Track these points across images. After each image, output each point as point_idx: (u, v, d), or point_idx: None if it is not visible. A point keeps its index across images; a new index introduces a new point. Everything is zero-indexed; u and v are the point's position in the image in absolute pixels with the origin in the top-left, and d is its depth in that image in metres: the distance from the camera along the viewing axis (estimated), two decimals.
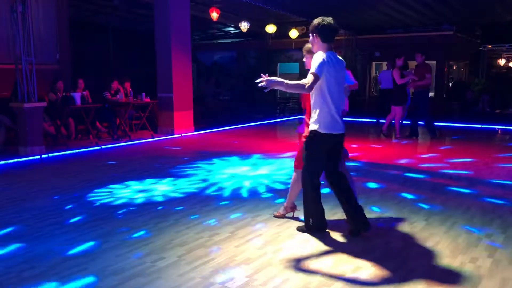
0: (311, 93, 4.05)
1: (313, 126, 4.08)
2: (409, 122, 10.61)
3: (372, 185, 6.12)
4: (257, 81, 3.86)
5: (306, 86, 3.84)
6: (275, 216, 4.73)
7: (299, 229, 4.34)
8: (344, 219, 4.37)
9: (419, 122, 10.39)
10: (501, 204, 5.22)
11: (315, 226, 4.24)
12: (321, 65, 3.89)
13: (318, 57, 3.96)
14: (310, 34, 4.14)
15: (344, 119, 4.28)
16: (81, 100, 9.69)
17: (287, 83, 3.88)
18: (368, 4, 12.74)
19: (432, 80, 10.15)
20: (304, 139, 4.22)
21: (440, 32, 15.59)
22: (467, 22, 16.34)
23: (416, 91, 10.15)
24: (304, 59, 4.48)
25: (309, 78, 3.86)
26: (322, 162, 4.14)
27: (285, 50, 19.00)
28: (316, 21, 4.11)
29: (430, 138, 10.38)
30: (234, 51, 20.15)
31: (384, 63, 15.35)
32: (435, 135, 10.44)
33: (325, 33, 4.05)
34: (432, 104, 15.24)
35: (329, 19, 4.11)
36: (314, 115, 4.07)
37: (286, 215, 4.72)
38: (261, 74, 3.90)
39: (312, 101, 4.12)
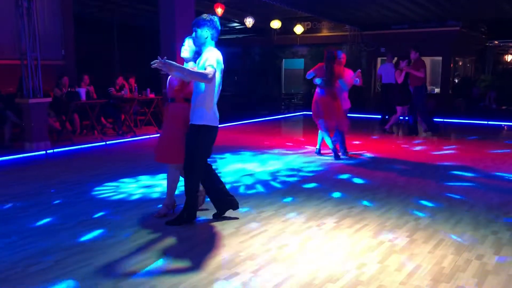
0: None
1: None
2: (408, 119, 10.58)
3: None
4: (152, 62, 3.84)
5: (209, 76, 3.94)
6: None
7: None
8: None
9: (417, 119, 10.34)
10: (507, 201, 5.19)
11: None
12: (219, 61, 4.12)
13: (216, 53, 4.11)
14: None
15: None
16: (86, 95, 9.71)
17: (188, 70, 3.99)
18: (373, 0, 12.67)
19: (425, 76, 10.03)
20: None
21: (445, 28, 15.49)
22: (473, 18, 16.24)
23: (412, 88, 10.07)
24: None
25: (210, 70, 3.96)
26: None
27: (290, 46, 18.95)
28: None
29: (432, 134, 10.20)
30: (239, 47, 20.12)
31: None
32: (437, 131, 10.28)
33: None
34: (438, 100, 15.26)
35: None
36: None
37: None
38: (158, 57, 3.84)
39: (199, 92, 4.15)
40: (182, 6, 10.80)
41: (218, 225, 4.36)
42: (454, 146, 8.93)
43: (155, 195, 5.45)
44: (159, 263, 3.52)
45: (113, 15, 15.31)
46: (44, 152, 8.06)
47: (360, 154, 7.98)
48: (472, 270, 3.39)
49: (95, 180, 6.11)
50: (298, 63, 19.24)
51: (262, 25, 16.74)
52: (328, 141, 7.53)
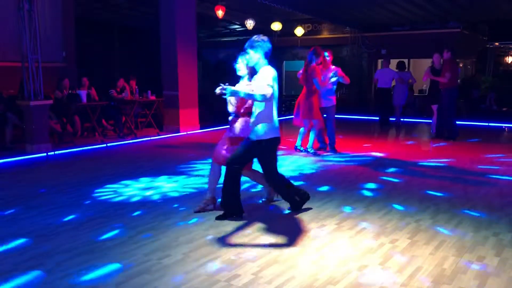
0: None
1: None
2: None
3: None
4: (216, 89, 4.23)
5: (267, 96, 4.22)
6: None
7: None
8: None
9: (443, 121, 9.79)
10: (508, 202, 5.18)
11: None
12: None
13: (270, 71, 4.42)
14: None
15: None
16: (87, 98, 9.73)
17: (249, 94, 4.26)
18: (375, 1, 12.67)
19: (452, 80, 9.37)
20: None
21: (446, 30, 15.49)
22: (474, 19, 16.22)
23: (442, 90, 9.55)
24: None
25: (268, 90, 4.24)
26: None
27: (290, 48, 18.95)
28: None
29: (445, 138, 9.72)
30: (240, 49, 20.11)
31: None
32: (453, 137, 9.68)
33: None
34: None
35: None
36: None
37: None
38: (220, 83, 4.22)
39: (260, 109, 4.41)
40: (183, 8, 10.82)
41: (219, 226, 4.36)
42: (454, 147, 8.92)
43: (156, 197, 5.45)
44: (160, 264, 3.52)
45: (114, 17, 15.35)
46: (45, 154, 8.07)
47: (364, 155, 7.98)
48: (473, 272, 3.39)
49: (96, 182, 6.12)
50: (299, 65, 19.21)
51: (263, 27, 16.74)
52: (317, 137, 8.12)
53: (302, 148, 8.22)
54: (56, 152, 8.22)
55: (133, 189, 5.80)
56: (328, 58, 8.08)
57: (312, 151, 8.08)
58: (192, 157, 7.99)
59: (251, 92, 4.26)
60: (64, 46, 11.70)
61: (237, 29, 18.96)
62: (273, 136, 4.44)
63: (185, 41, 10.92)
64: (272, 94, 4.30)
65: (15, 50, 9.26)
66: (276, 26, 16.32)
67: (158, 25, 11.13)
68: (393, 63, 12.80)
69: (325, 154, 8.12)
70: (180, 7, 10.74)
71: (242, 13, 15.33)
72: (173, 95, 10.93)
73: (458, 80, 9.69)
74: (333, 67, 8.16)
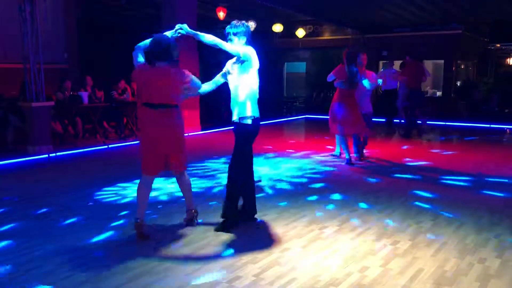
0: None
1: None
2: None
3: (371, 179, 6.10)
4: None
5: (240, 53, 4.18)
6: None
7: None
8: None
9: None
10: (510, 204, 5.17)
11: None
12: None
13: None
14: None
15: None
16: (88, 99, 9.73)
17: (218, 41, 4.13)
18: (376, 3, 12.68)
19: (411, 82, 10.35)
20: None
21: (448, 31, 15.50)
22: (476, 21, 16.23)
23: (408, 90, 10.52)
24: None
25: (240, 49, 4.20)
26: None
27: (292, 49, 18.98)
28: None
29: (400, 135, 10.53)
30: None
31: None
32: (406, 135, 10.32)
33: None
34: (440, 103, 15.27)
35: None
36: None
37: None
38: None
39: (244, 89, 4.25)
40: (185, 10, 10.84)
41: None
42: (455, 149, 8.92)
43: (157, 198, 5.44)
44: (161, 266, 3.52)
45: (116, 19, 15.37)
46: (46, 155, 8.08)
47: (367, 158, 7.96)
48: (475, 274, 3.38)
49: (97, 184, 6.12)
50: (300, 67, 19.28)
51: (264, 28, 16.77)
52: (343, 145, 7.37)
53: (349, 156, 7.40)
54: (58, 154, 8.23)
55: (134, 191, 5.79)
56: (363, 62, 7.48)
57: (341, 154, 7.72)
58: (193, 159, 7.98)
59: (218, 41, 4.10)
60: (66, 48, 11.72)
61: None
62: (252, 117, 4.22)
63: (186, 42, 10.91)
64: (248, 61, 4.18)
65: (17, 52, 9.28)
66: (278, 27, 16.34)
67: (160, 26, 11.13)
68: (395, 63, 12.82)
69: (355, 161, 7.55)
70: (181, 8, 10.75)
71: (243, 14, 15.33)
72: None
73: (422, 83, 10.48)
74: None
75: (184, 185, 4.41)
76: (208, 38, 4.10)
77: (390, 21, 15.17)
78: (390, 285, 3.21)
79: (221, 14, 13.25)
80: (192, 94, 4.54)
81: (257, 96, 4.33)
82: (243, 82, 4.24)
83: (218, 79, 4.53)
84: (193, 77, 4.18)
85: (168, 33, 4.24)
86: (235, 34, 4.27)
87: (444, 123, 13.07)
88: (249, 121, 4.22)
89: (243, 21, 4.33)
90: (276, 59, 19.61)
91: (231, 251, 3.82)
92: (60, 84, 9.73)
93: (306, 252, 3.81)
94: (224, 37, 4.36)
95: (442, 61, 16.16)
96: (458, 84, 17.33)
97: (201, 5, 12.42)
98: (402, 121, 11.25)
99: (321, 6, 13.13)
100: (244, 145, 4.32)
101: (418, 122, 10.82)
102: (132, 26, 16.28)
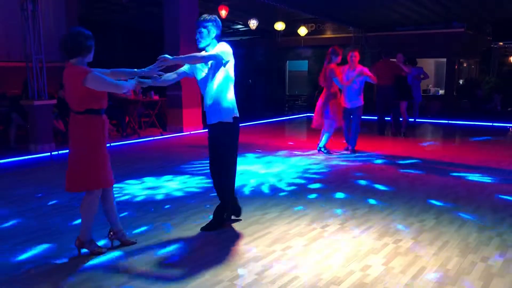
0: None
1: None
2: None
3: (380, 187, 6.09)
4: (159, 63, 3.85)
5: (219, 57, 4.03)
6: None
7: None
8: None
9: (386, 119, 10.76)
10: None
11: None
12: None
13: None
14: None
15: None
16: None
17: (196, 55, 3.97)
18: (378, 1, 12.65)
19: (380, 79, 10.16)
20: None
21: (450, 29, 15.47)
22: (478, 19, 16.19)
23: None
24: None
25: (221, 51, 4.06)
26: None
27: (294, 48, 18.96)
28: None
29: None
30: (243, 49, 20.15)
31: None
32: (381, 133, 10.58)
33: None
34: (443, 102, 15.24)
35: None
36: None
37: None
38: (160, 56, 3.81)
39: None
40: (187, 8, 10.84)
41: (222, 227, 4.36)
42: (458, 148, 8.90)
43: (159, 197, 5.45)
44: (163, 265, 3.52)
45: (118, 17, 15.37)
46: (49, 154, 8.09)
47: (369, 155, 7.96)
48: (477, 273, 3.38)
49: None
50: (302, 65, 19.25)
51: (266, 27, 16.76)
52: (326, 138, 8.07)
53: (325, 150, 8.15)
54: (60, 152, 8.24)
55: (136, 189, 5.81)
56: (354, 58, 7.86)
57: (325, 150, 8.09)
58: (194, 157, 7.99)
59: (198, 56, 3.96)
60: None
61: (240, 29, 18.98)
62: (232, 117, 4.15)
63: (188, 41, 10.90)
64: (223, 64, 4.05)
65: (19, 50, 9.30)
66: (280, 26, 16.32)
67: (162, 25, 11.14)
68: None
69: (341, 154, 8.12)
70: (183, 7, 10.75)
71: (246, 13, 15.34)
72: (176, 95, 10.94)
73: (391, 80, 10.36)
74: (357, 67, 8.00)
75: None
76: (190, 57, 4.00)
77: (392, 20, 15.13)
78: (393, 283, 3.20)
79: (223, 13, 13.24)
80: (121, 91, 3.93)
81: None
82: (219, 79, 4.11)
83: (184, 70, 4.36)
84: (94, 74, 3.72)
85: (150, 67, 3.92)
86: (204, 27, 4.11)
87: (446, 121, 13.05)
88: (232, 120, 4.15)
89: (214, 15, 4.19)
90: (278, 58, 19.59)
91: (233, 249, 3.82)
92: (62, 82, 9.74)
93: (308, 250, 3.80)
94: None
95: (445, 60, 16.13)
96: (461, 83, 17.29)
97: (203, 4, 12.42)
98: (401, 119, 11.13)
99: (323, 5, 13.11)
100: (230, 145, 4.22)
101: (400, 118, 10.70)
102: (134, 25, 16.30)
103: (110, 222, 3.84)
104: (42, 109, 8.36)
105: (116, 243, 3.87)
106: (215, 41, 4.20)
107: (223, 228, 4.32)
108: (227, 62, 4.10)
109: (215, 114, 4.16)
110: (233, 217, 4.54)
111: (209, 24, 4.13)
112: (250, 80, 19.20)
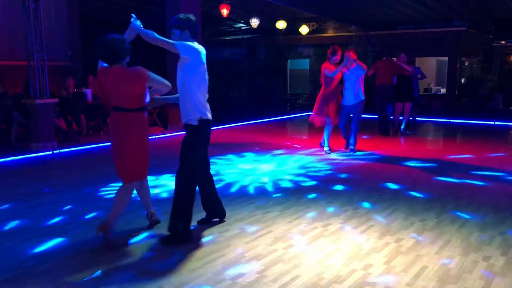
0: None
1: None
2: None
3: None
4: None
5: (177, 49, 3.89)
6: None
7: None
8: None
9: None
10: None
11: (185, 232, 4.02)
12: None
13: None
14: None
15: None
16: (92, 96, 9.75)
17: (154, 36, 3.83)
18: (380, 0, 12.63)
19: (378, 78, 10.39)
20: None
21: (452, 28, 15.42)
22: (480, 18, 16.15)
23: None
24: None
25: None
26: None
27: (295, 46, 18.93)
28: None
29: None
30: (245, 48, 20.14)
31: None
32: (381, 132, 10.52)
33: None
34: (444, 101, 15.22)
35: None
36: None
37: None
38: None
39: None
40: (188, 7, 10.82)
41: (223, 226, 4.36)
42: (460, 147, 8.89)
43: (161, 195, 5.45)
44: (165, 263, 3.53)
45: (119, 16, 15.35)
46: (50, 152, 8.10)
47: (370, 154, 7.96)
48: (479, 272, 3.37)
49: (101, 181, 6.13)
50: (304, 64, 19.22)
51: (267, 25, 16.74)
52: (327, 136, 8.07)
53: (327, 148, 8.12)
54: (62, 151, 8.25)
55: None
56: (350, 58, 7.78)
57: (327, 149, 8.07)
58: None
59: (159, 37, 3.84)
60: (70, 45, 11.73)
61: (242, 28, 18.95)
62: (204, 118, 4.01)
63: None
64: (193, 61, 3.94)
65: (20, 49, 9.31)
66: (281, 24, 16.30)
67: (164, 24, 11.13)
68: None
69: (343, 152, 8.11)
70: (185, 6, 10.74)
71: (247, 11, 15.33)
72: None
73: (391, 81, 10.32)
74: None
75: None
76: (151, 32, 3.87)
77: (394, 18, 15.10)
78: (394, 283, 3.20)
79: (225, 11, 13.23)
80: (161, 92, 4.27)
81: (206, 96, 4.09)
82: (188, 80, 4.03)
83: None
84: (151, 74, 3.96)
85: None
86: (177, 27, 3.99)
87: (448, 120, 13.03)
88: (197, 123, 3.98)
89: (189, 15, 4.07)
90: (280, 56, 19.57)
91: (234, 248, 3.82)
92: (64, 81, 9.75)
93: (309, 249, 3.80)
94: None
95: (446, 58, 16.09)
96: (462, 81, 17.26)
97: (205, 2, 12.40)
98: (400, 117, 11.11)
99: (325, 3, 13.10)
100: (193, 149, 4.06)
101: (391, 117, 10.71)
102: None
103: (145, 205, 4.33)
104: (44, 108, 8.36)
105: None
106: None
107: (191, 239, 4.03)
108: (184, 55, 3.93)
109: (182, 112, 4.09)
110: (216, 219, 4.48)
111: (181, 24, 4.00)
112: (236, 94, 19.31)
